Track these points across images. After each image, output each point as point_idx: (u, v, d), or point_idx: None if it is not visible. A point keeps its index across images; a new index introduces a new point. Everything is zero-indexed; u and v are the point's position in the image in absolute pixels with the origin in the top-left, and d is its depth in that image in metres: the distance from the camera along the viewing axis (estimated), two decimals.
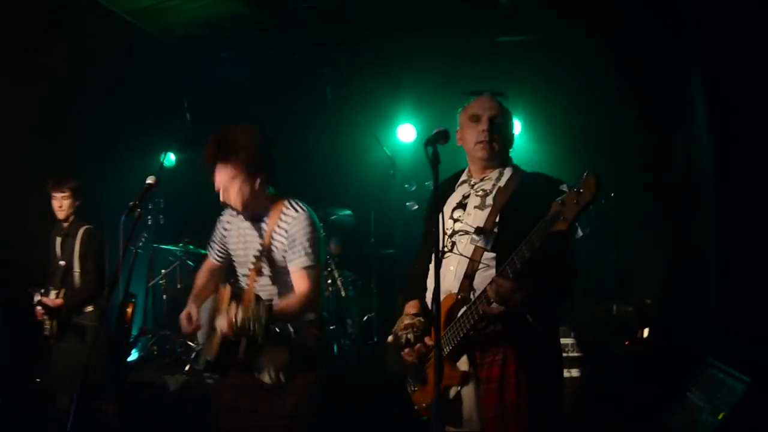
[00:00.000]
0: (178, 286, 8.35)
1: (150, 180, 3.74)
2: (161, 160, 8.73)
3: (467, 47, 7.42)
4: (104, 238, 9.00)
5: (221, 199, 3.69)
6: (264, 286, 3.77)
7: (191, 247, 7.96)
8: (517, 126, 7.43)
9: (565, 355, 5.39)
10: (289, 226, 3.66)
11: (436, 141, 2.99)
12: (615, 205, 6.71)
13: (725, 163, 5.46)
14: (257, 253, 3.74)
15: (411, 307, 3.47)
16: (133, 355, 7.85)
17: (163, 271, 8.24)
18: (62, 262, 5.73)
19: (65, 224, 5.82)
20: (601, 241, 6.96)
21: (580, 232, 2.73)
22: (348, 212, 7.68)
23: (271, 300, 3.55)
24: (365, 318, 7.63)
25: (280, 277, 3.76)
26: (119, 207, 9.38)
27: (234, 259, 3.96)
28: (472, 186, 3.37)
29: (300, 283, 3.64)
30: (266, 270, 3.75)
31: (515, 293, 2.93)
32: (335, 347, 7.07)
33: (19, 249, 6.43)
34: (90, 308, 5.68)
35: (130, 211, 3.57)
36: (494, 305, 2.99)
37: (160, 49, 7.93)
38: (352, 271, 7.62)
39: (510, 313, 3.02)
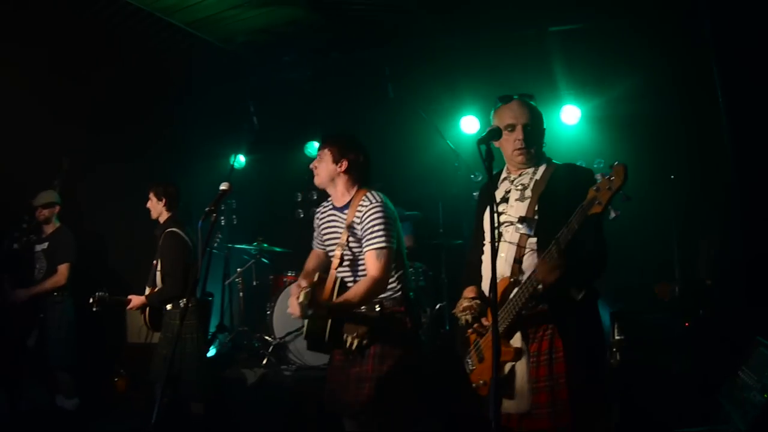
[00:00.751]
0: (254, 284, 8.63)
1: (224, 186, 3.91)
2: (231, 162, 9.00)
3: (522, 37, 7.49)
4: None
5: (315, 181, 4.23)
6: (343, 272, 4.15)
7: (265, 245, 8.18)
8: (576, 114, 7.55)
9: (620, 337, 5.58)
10: (364, 213, 4.03)
11: (489, 139, 3.31)
12: (676, 187, 6.79)
13: None
14: (338, 241, 4.15)
15: (468, 291, 3.72)
16: (211, 352, 8.03)
17: (238, 269, 8.46)
18: (154, 262, 5.95)
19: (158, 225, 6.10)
20: (661, 222, 7.01)
21: (612, 214, 3.05)
22: (415, 213, 7.79)
23: (314, 284, 3.94)
24: (437, 307, 7.74)
25: (357, 263, 4.12)
26: (196, 210, 9.77)
27: (325, 243, 4.35)
28: (512, 182, 3.68)
29: (371, 265, 3.99)
30: (346, 256, 4.12)
31: (560, 270, 3.23)
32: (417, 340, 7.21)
33: (95, 253, 6.73)
34: (169, 306, 5.84)
35: (206, 216, 3.77)
36: (543, 283, 3.28)
37: (223, 57, 8.12)
38: (423, 263, 7.73)
39: (555, 292, 3.32)
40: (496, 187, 3.74)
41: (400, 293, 4.17)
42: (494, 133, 3.40)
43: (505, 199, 3.65)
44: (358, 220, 4.06)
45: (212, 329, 8.31)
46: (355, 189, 4.20)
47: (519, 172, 3.67)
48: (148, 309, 5.88)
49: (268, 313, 7.78)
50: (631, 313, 5.85)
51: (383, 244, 3.99)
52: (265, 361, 7.35)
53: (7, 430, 6.39)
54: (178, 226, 5.91)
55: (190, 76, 8.30)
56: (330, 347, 4.16)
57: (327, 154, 4.18)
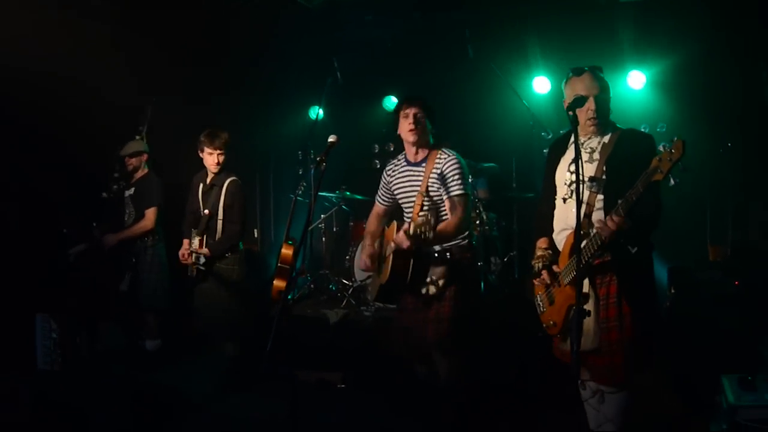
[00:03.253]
0: (335, 230, 9.02)
1: (332, 138, 4.16)
2: (314, 115, 9.36)
3: (592, 4, 7.67)
4: (256, 184, 9.66)
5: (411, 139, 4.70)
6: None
7: (347, 193, 8.54)
8: (642, 79, 7.68)
9: (674, 291, 5.95)
10: (442, 166, 4.62)
11: (575, 106, 3.76)
12: (732, 154, 7.00)
13: None
14: (417, 192, 4.69)
15: (542, 242, 4.16)
16: (293, 293, 8.29)
17: (321, 216, 8.83)
18: (206, 211, 6.06)
19: (212, 175, 6.16)
20: (717, 187, 7.31)
21: (671, 182, 3.37)
22: (492, 164, 8.01)
23: (432, 211, 4.55)
24: (507, 257, 8.05)
25: (437, 210, 4.69)
26: (276, 157, 10.15)
27: (399, 199, 4.92)
28: (582, 145, 3.97)
29: (453, 210, 4.59)
30: (426, 206, 4.66)
31: (624, 225, 3.53)
32: (482, 283, 7.56)
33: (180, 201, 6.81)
34: (228, 254, 6.12)
35: (317, 165, 4.06)
36: (608, 237, 3.60)
37: (308, 14, 8.34)
38: (496, 214, 8.06)
39: (618, 245, 3.66)
40: (566, 148, 4.10)
41: (466, 241, 4.73)
42: (579, 100, 3.80)
43: (575, 160, 3.84)
44: (437, 171, 4.62)
45: (294, 273, 8.70)
46: (430, 146, 4.74)
47: (588, 137, 3.98)
48: (195, 258, 6.07)
49: (348, 257, 8.22)
50: (687, 270, 6.16)
51: (462, 191, 4.59)
52: (344, 303, 7.75)
53: (88, 369, 6.57)
54: (236, 175, 6.16)
55: (275, 31, 8.58)
56: (409, 288, 4.61)
57: (422, 115, 4.69)
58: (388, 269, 4.58)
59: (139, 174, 6.97)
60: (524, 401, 5.36)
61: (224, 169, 6.17)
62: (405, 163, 4.86)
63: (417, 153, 4.76)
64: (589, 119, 3.91)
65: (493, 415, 5.13)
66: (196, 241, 6.08)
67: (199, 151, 6.15)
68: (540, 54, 8.23)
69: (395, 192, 4.92)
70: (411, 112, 4.66)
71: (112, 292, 6.80)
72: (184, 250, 6.16)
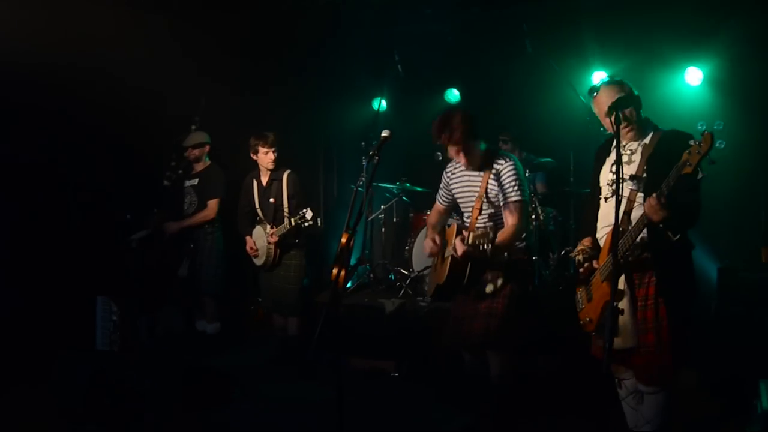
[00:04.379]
0: (395, 220, 8.99)
1: (385, 133, 4.26)
2: (375, 107, 9.44)
3: (651, 2, 7.61)
4: (320, 175, 9.65)
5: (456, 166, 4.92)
6: (483, 223, 4.78)
7: (408, 185, 8.55)
8: (699, 75, 7.59)
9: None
10: (500, 172, 4.71)
11: (618, 107, 3.86)
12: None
13: None
14: (476, 197, 4.76)
15: (585, 241, 4.28)
16: (352, 282, 8.50)
17: (382, 206, 8.86)
18: (272, 200, 6.52)
19: (268, 172, 6.59)
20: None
21: (701, 174, 3.44)
22: (549, 159, 8.04)
23: (495, 225, 4.67)
24: (563, 251, 7.96)
25: (495, 215, 4.83)
26: (338, 149, 10.26)
27: (458, 202, 5.08)
28: (624, 147, 4.11)
29: (510, 216, 4.71)
30: (485, 210, 4.79)
31: (662, 209, 3.61)
32: (536, 278, 7.40)
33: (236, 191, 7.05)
34: (297, 240, 6.55)
35: (370, 159, 4.17)
36: (649, 218, 3.70)
37: (369, 9, 8.49)
38: (553, 208, 8.06)
39: (656, 235, 3.76)
40: (610, 151, 4.24)
41: (524, 243, 4.87)
42: (623, 101, 3.91)
43: (617, 161, 3.96)
44: (495, 178, 4.74)
45: (353, 262, 8.68)
46: (485, 152, 4.83)
47: (628, 141, 4.11)
48: (277, 243, 6.45)
49: (407, 248, 8.26)
50: (735, 271, 6.09)
51: (520, 197, 4.70)
52: (401, 293, 7.77)
53: (148, 351, 6.89)
54: (315, 165, 6.55)
55: (337, 25, 8.66)
56: (465, 289, 4.81)
57: (460, 145, 4.75)
58: (446, 271, 4.73)
59: (201, 165, 7.27)
60: (561, 398, 5.41)
61: (280, 164, 6.61)
62: (463, 168, 4.97)
63: (474, 161, 4.85)
64: (623, 128, 4.01)
65: (532, 411, 5.18)
66: (268, 229, 6.48)
67: (251, 154, 6.56)
68: (598, 49, 8.12)
69: (455, 194, 5.06)
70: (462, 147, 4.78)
71: (172, 277, 7.10)
72: (251, 245, 6.61)
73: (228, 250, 7.31)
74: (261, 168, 6.63)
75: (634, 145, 4.08)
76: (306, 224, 6.19)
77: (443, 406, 5.55)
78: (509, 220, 4.69)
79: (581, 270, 4.22)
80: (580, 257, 4.18)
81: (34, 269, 6.78)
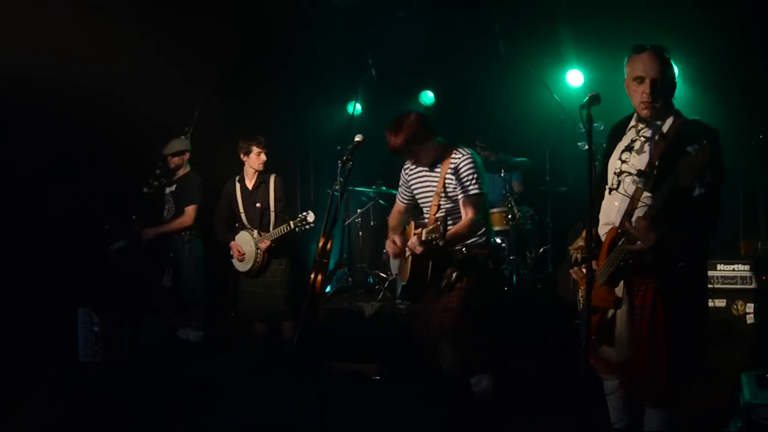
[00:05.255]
0: (372, 224, 9.00)
1: (358, 138, 4.23)
2: (350, 110, 9.44)
3: None
4: (296, 179, 9.63)
5: (413, 164, 4.83)
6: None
7: (384, 188, 8.56)
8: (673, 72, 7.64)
9: (711, 286, 5.85)
10: (458, 167, 4.61)
11: (590, 105, 3.44)
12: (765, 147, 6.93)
13: None
14: (434, 193, 4.73)
15: (587, 233, 3.73)
16: (331, 286, 8.54)
17: (358, 210, 8.82)
18: (258, 205, 6.47)
19: (256, 174, 6.54)
20: (749, 180, 7.25)
21: (697, 191, 3.01)
22: (525, 159, 8.08)
23: (445, 216, 4.36)
24: (541, 250, 8.07)
25: (454, 210, 4.71)
26: (314, 153, 10.23)
27: (418, 200, 4.97)
28: (638, 131, 3.68)
29: (467, 209, 4.60)
30: (443, 206, 4.69)
31: (649, 234, 3.29)
32: (514, 276, 7.58)
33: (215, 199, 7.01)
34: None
35: (343, 164, 4.15)
36: (637, 244, 3.38)
37: (341, 14, 8.58)
38: (530, 207, 8.09)
39: (655, 251, 3.37)
40: (623, 133, 3.78)
41: (483, 239, 4.77)
42: (594, 99, 3.43)
43: (629, 148, 3.67)
44: (452, 172, 4.63)
45: (331, 266, 8.77)
46: (440, 147, 4.73)
47: (646, 123, 3.67)
48: (267, 248, 6.39)
49: (385, 251, 8.32)
50: (714, 264, 5.96)
51: (478, 190, 4.60)
52: (380, 296, 7.80)
53: (132, 361, 6.74)
54: (291, 170, 6.53)
55: (309, 30, 8.69)
56: (428, 287, 4.72)
57: (418, 146, 4.67)
58: (408, 270, 4.68)
59: (181, 172, 7.25)
60: (542, 396, 5.38)
61: (265, 168, 6.59)
62: (422, 165, 4.89)
63: (431, 157, 4.77)
64: (643, 102, 3.60)
65: (509, 411, 5.15)
66: (255, 234, 6.42)
67: (242, 155, 6.52)
68: (574, 47, 8.21)
69: (414, 192, 4.98)
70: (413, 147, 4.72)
71: (153, 286, 7.04)
72: (237, 250, 6.49)
73: (206, 256, 7.29)
74: (247, 171, 6.59)
75: (650, 131, 3.65)
76: (306, 227, 6.21)
77: (425, 406, 5.52)
78: (467, 213, 4.59)
79: (578, 270, 3.87)
80: (578, 255, 3.88)
81: (14, 282, 6.68)
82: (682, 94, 7.48)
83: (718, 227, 3.53)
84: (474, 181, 4.60)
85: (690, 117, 3.70)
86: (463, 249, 4.69)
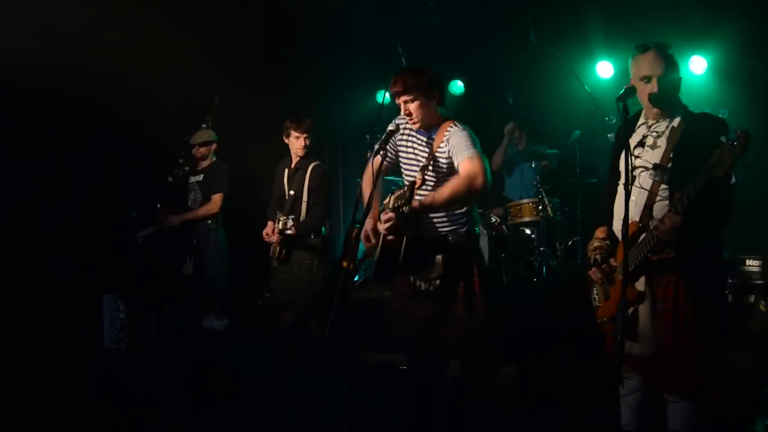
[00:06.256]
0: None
1: (391, 126, 4.23)
2: (379, 99, 9.42)
3: None
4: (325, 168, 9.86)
5: (393, 127, 4.36)
6: (425, 191, 4.26)
7: None
8: (703, 64, 7.56)
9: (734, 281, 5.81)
10: (451, 137, 4.20)
11: (626, 96, 3.49)
12: None
13: None
14: (422, 164, 4.29)
15: (600, 232, 3.93)
16: (359, 276, 8.64)
17: (384, 201, 8.92)
18: (292, 192, 6.25)
19: (297, 159, 6.32)
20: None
21: (734, 179, 3.17)
22: (556, 151, 8.00)
23: (413, 182, 4.14)
24: (570, 241, 8.01)
25: (441, 183, 4.26)
26: (344, 142, 10.26)
27: (401, 162, 4.52)
28: (649, 128, 3.74)
29: (465, 167, 4.09)
30: (430, 179, 4.28)
31: (680, 228, 3.33)
32: (544, 267, 7.57)
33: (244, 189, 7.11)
34: (312, 236, 6.28)
35: (375, 153, 4.15)
36: (662, 239, 3.41)
37: (371, 1, 8.56)
38: (560, 198, 8.03)
39: (680, 242, 3.43)
40: (633, 131, 3.81)
41: (465, 228, 4.36)
42: (630, 91, 3.53)
43: (641, 144, 3.72)
44: (446, 143, 4.21)
45: (359, 256, 8.84)
46: (440, 117, 4.35)
47: (656, 119, 3.72)
48: (282, 240, 6.18)
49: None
50: (743, 260, 6.01)
51: (474, 152, 4.12)
52: None
53: (154, 348, 6.82)
54: (317, 160, 6.33)
55: (339, 18, 8.69)
56: (402, 270, 4.32)
57: (416, 102, 4.21)
58: (380, 246, 4.28)
59: (207, 162, 7.18)
60: (567, 390, 5.35)
61: (309, 153, 6.36)
62: (412, 131, 4.45)
63: (428, 122, 4.33)
64: (652, 101, 3.67)
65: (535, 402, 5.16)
66: (281, 222, 6.19)
67: (284, 137, 6.35)
68: (603, 38, 8.12)
69: (399, 153, 4.53)
70: (401, 101, 4.27)
71: (179, 274, 6.99)
72: (268, 230, 6.31)
73: (231, 246, 7.21)
74: (291, 154, 6.42)
75: (661, 126, 3.70)
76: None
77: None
78: (463, 170, 4.10)
79: (599, 269, 3.86)
80: (597, 256, 3.86)
81: (41, 270, 6.76)
82: (712, 89, 7.49)
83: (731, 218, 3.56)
84: (470, 146, 4.15)
85: (719, 112, 3.70)
86: (450, 237, 4.32)
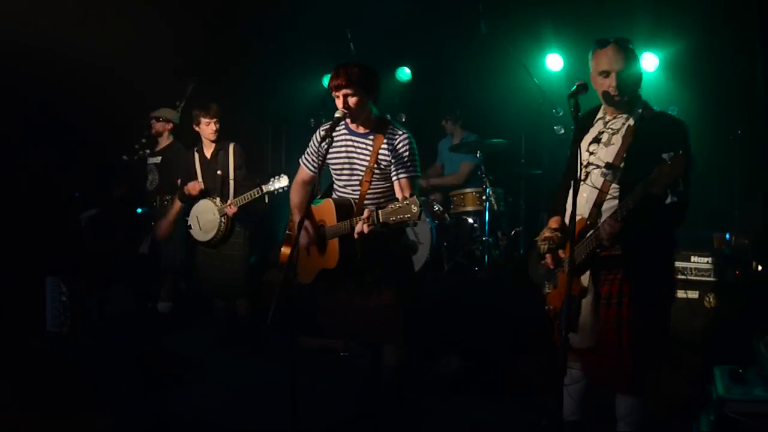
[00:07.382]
0: None
1: (338, 113, 4.14)
2: (325, 84, 9.36)
3: None
4: (268, 149, 9.64)
5: (341, 115, 4.19)
6: (374, 198, 4.33)
7: None
8: (654, 61, 7.57)
9: (683, 277, 5.88)
10: (395, 143, 4.23)
11: (577, 93, 3.46)
12: (741, 141, 6.96)
13: None
14: (365, 167, 4.30)
15: (553, 222, 3.96)
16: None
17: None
18: (219, 172, 6.30)
19: (211, 144, 6.39)
20: (725, 174, 7.26)
21: (669, 199, 3.09)
22: (502, 140, 7.91)
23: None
24: (513, 232, 8.07)
25: (388, 190, 4.34)
26: (288, 127, 10.17)
27: (333, 168, 4.46)
28: (606, 124, 3.73)
29: (404, 191, 4.17)
30: (376, 182, 4.31)
31: (621, 235, 3.40)
32: (486, 257, 7.58)
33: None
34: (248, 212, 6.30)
35: (323, 139, 4.13)
36: (601, 244, 3.49)
37: None
38: (503, 189, 8.04)
39: (627, 240, 3.48)
40: (591, 125, 3.80)
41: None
42: (582, 88, 3.47)
43: (597, 140, 3.72)
44: (388, 147, 4.23)
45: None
46: (375, 117, 4.34)
47: (614, 115, 3.71)
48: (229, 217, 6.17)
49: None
50: (687, 257, 6.00)
51: (414, 173, 4.26)
52: None
53: (96, 331, 6.72)
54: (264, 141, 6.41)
55: (288, 2, 8.67)
56: (355, 272, 4.35)
57: (356, 96, 4.17)
58: (336, 254, 4.30)
59: (164, 142, 7.20)
60: (510, 380, 5.43)
61: (221, 137, 6.43)
62: (347, 132, 4.39)
63: (358, 126, 4.34)
64: (610, 96, 3.65)
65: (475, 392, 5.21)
66: (218, 201, 6.23)
67: (194, 125, 6.41)
68: (553, 31, 8.17)
69: (330, 160, 4.44)
70: (340, 94, 4.19)
71: (124, 256, 6.97)
72: (189, 188, 6.35)
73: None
74: (204, 140, 6.44)
75: (617, 123, 3.69)
76: (279, 192, 5.96)
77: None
78: (405, 193, 4.12)
79: (545, 261, 3.91)
80: (545, 247, 3.87)
81: None
82: (661, 85, 7.58)
83: (685, 220, 3.60)
84: (410, 163, 4.25)
85: (669, 109, 3.68)
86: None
